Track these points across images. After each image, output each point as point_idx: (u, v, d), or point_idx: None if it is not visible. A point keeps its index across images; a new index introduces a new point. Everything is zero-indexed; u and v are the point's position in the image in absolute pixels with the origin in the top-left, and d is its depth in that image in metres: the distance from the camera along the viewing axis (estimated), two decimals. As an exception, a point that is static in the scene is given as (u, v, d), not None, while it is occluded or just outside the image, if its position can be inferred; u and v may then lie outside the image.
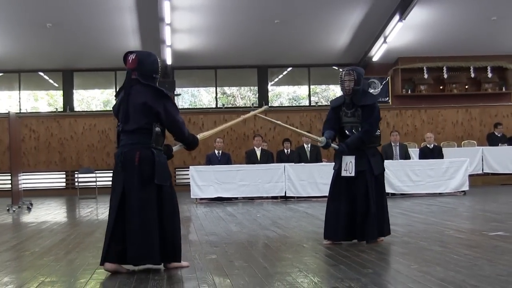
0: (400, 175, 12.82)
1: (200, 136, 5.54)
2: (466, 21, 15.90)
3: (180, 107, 18.30)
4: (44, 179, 17.15)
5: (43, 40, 15.93)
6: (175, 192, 5.28)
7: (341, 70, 6.90)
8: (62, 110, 17.86)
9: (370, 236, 6.21)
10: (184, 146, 5.43)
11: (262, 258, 5.61)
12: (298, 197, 12.69)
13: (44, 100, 18.78)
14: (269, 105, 18.31)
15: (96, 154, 17.32)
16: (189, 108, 18.57)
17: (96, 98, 18.94)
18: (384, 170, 6.54)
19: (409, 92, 18.03)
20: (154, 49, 16.19)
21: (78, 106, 18.28)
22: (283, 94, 19.22)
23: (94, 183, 15.40)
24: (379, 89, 18.22)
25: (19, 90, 17.89)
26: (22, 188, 13.20)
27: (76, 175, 16.34)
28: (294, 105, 18.85)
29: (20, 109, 17.64)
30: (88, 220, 10.04)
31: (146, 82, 5.15)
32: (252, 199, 12.74)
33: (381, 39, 16.38)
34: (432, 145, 13.99)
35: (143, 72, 5.16)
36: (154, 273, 5.01)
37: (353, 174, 6.25)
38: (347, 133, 6.41)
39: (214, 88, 18.48)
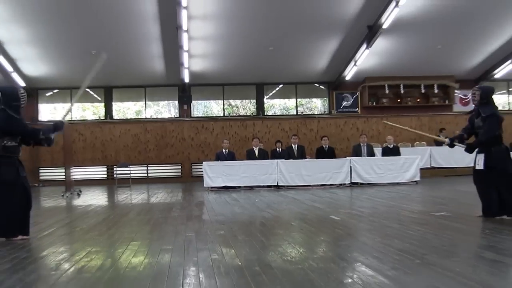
0: (367, 168, 12.82)
1: None
2: (418, 48, 15.91)
3: (195, 115, 18.30)
4: (90, 172, 17.15)
5: (89, 64, 15.83)
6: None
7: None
8: (103, 118, 17.84)
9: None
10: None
11: (259, 233, 5.61)
12: (287, 186, 12.68)
13: (89, 111, 18.75)
14: (265, 113, 18.29)
15: (130, 152, 17.31)
16: (202, 117, 18.52)
17: (130, 109, 18.89)
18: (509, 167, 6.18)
19: (374, 104, 18.02)
20: (175, 70, 16.22)
21: (116, 115, 18.25)
22: (276, 105, 19.17)
23: (129, 175, 15.40)
24: (351, 101, 18.22)
25: (71, 102, 17.84)
26: (73, 179, 13.20)
27: (114, 169, 16.31)
28: (284, 114, 18.82)
29: (71, 118, 17.61)
30: (124, 204, 10.04)
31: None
32: (251, 187, 12.70)
33: (352, 63, 16.37)
34: (392, 145, 13.99)
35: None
36: (166, 243, 5.01)
37: (482, 167, 6.19)
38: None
39: (222, 100, 18.47)
